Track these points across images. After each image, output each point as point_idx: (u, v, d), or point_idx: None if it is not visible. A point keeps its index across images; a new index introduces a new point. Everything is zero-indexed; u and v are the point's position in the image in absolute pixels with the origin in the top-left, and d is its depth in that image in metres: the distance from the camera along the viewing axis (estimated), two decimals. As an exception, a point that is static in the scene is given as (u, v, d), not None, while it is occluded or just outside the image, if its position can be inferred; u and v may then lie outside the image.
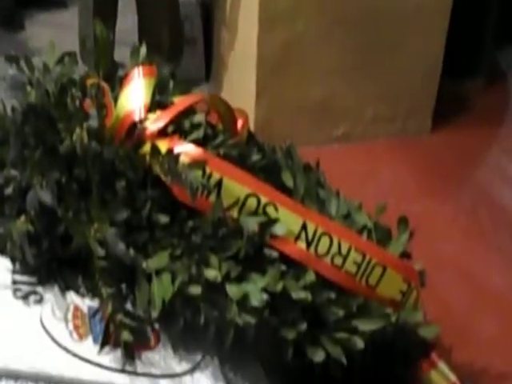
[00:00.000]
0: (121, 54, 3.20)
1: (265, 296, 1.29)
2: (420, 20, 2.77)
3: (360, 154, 2.83)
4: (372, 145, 2.88)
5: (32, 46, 3.80)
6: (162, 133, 1.41)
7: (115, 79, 1.58)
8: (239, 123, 1.66)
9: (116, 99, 1.46)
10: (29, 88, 1.44)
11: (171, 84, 1.63)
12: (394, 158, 2.82)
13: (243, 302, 1.28)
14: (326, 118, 2.84)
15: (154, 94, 1.46)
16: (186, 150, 1.35)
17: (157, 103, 1.49)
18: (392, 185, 2.64)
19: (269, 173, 1.59)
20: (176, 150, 1.32)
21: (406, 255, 1.59)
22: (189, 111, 1.52)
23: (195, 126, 1.51)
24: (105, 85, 1.46)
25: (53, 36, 3.83)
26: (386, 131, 2.93)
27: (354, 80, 2.79)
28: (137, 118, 1.37)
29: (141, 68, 1.48)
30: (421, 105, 2.95)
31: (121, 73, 1.61)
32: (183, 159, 1.31)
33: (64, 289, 1.33)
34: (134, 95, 1.42)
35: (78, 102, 1.38)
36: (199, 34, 3.40)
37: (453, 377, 1.57)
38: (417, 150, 2.89)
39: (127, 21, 3.32)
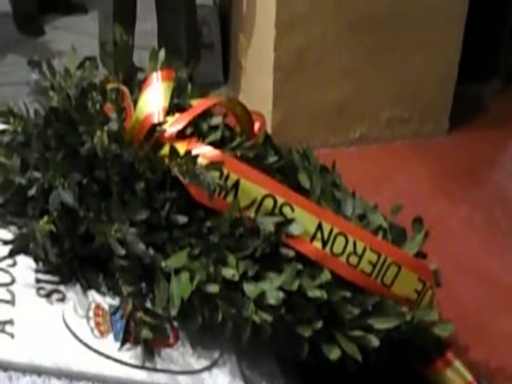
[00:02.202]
0: (140, 57, 3.25)
1: (281, 294, 1.31)
2: (436, 22, 2.78)
3: (376, 156, 2.85)
4: (388, 147, 2.89)
5: (52, 50, 3.84)
6: (181, 135, 1.44)
7: (134, 83, 1.61)
8: (256, 125, 1.68)
9: (135, 102, 1.49)
10: (51, 92, 1.47)
11: (189, 87, 1.67)
12: (410, 159, 2.83)
13: (260, 300, 1.30)
14: (342, 120, 2.86)
15: (172, 98, 1.49)
16: (204, 151, 1.38)
17: (175, 106, 1.52)
18: (408, 186, 2.65)
19: (285, 174, 1.61)
20: (194, 151, 1.35)
21: (421, 255, 1.61)
22: (206, 114, 1.55)
23: (213, 129, 1.54)
24: (124, 88, 1.50)
25: (73, 41, 3.89)
26: (402, 133, 2.94)
27: (369, 83, 2.81)
28: (156, 121, 1.40)
29: (159, 72, 1.51)
30: (437, 107, 2.97)
31: (140, 76, 1.65)
32: (201, 161, 1.34)
33: (86, 287, 1.36)
34: (153, 98, 1.46)
35: (98, 106, 1.41)
36: (217, 38, 3.44)
37: (469, 375, 1.58)
38: (433, 151, 2.90)
39: (146, 25, 3.36)
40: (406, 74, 2.84)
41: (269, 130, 2.70)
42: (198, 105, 1.55)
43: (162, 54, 1.67)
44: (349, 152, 2.85)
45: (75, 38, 3.97)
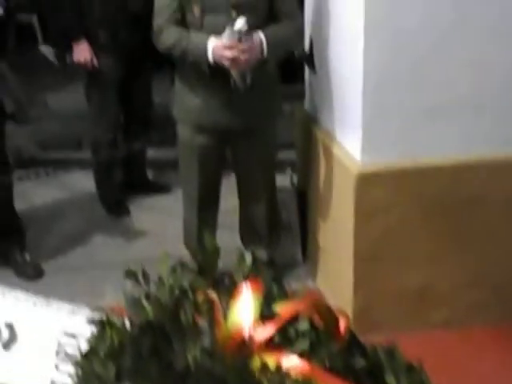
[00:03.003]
0: (221, 236, 3.34)
1: None
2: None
3: (460, 341, 2.80)
4: (472, 331, 2.85)
5: (137, 231, 4.00)
6: (269, 343, 1.47)
7: (224, 286, 1.67)
8: (341, 324, 1.71)
9: (224, 308, 1.55)
10: (145, 302, 1.54)
11: (275, 290, 1.72)
12: (493, 345, 2.77)
13: None
14: (423, 304, 2.85)
15: (261, 308, 1.54)
16: (294, 364, 1.40)
17: (263, 313, 1.57)
18: (493, 374, 2.59)
19: (372, 374, 1.61)
20: (283, 364, 1.37)
21: None
22: (293, 318, 1.58)
23: (300, 335, 1.57)
24: (215, 298, 1.55)
25: (157, 221, 4.07)
26: (486, 317, 2.90)
27: (450, 267, 2.81)
28: (246, 334, 1.44)
29: (249, 282, 1.57)
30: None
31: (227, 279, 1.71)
32: (291, 373, 1.36)
33: None
34: (244, 311, 1.50)
35: (190, 317, 1.46)
36: (295, 219, 3.53)
37: None
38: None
39: (227, 203, 3.48)
40: (487, 257, 2.84)
41: (350, 315, 2.71)
42: (285, 311, 1.59)
43: (248, 257, 1.74)
44: (431, 337, 2.81)
45: (159, 218, 4.16)
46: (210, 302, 1.54)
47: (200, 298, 1.57)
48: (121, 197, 4.31)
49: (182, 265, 1.73)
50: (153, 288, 1.62)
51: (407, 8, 2.59)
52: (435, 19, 2.62)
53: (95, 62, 3.92)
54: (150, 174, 4.65)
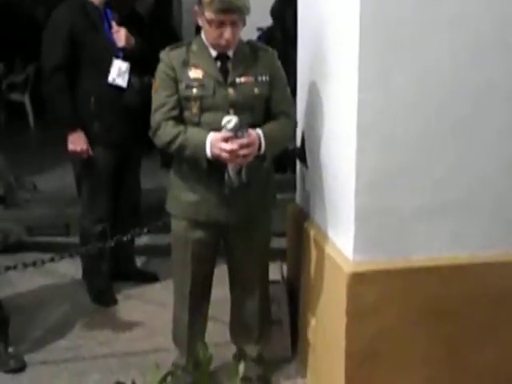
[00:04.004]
0: (210, 329, 3.25)
1: None
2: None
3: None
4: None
5: (124, 321, 3.92)
6: None
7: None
8: None
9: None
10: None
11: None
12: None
13: None
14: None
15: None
16: None
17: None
18: None
19: None
20: None
21: None
22: None
23: None
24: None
25: (145, 311, 3.98)
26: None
27: (444, 371, 2.76)
28: None
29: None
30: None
31: None
32: None
33: None
34: None
35: None
36: (285, 314, 3.47)
37: None
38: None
39: (216, 293, 3.40)
40: (483, 358, 2.79)
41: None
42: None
43: (241, 367, 1.71)
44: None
45: (147, 309, 4.07)
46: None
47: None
48: (108, 286, 4.24)
49: (173, 376, 1.69)
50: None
51: (398, 111, 2.62)
52: (426, 124, 2.66)
53: (90, 151, 3.94)
54: (138, 261, 4.59)
